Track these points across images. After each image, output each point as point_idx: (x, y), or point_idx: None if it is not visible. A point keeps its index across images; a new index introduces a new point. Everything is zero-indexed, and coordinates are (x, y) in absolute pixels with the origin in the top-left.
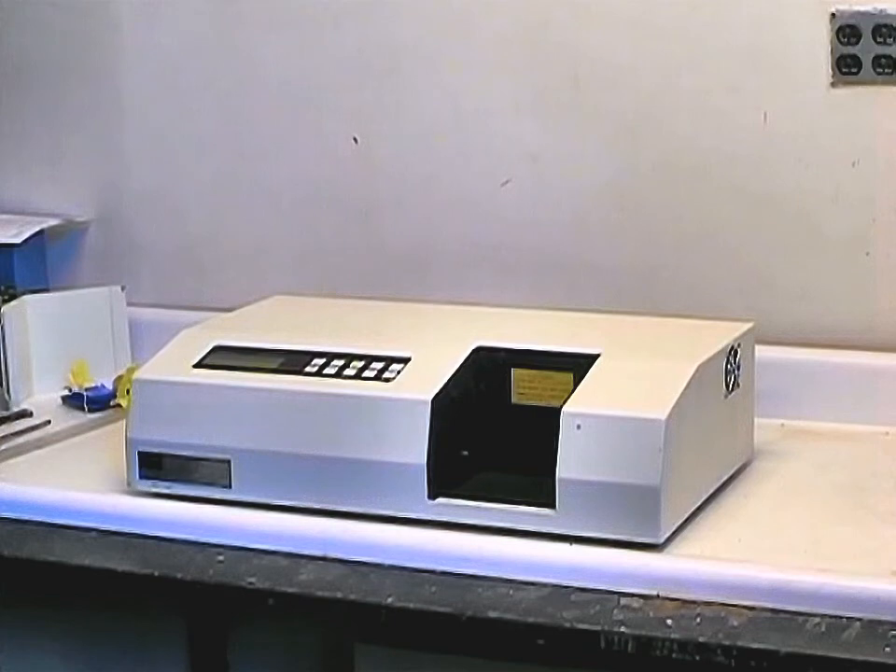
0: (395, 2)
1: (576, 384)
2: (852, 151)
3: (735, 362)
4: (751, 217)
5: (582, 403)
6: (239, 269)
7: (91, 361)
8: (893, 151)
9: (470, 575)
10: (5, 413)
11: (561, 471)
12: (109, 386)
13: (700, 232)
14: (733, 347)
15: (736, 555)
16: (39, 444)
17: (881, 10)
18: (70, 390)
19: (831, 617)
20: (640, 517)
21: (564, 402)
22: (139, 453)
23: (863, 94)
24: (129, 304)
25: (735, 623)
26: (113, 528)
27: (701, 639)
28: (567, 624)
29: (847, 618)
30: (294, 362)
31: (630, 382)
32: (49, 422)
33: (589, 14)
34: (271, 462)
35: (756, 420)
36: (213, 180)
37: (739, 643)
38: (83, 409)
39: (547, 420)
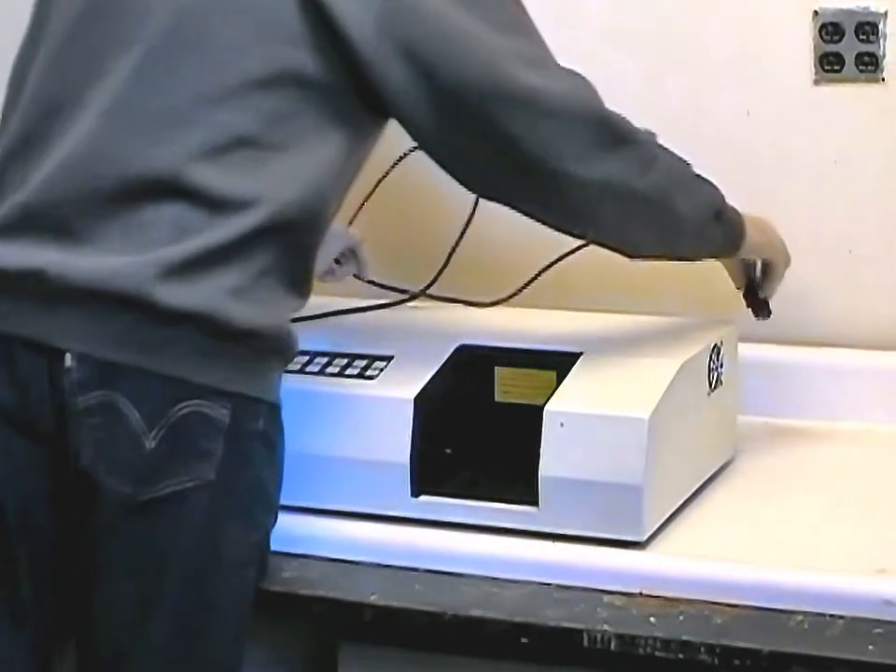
0: None
1: (559, 382)
2: (835, 149)
3: (718, 360)
4: None
5: (565, 402)
6: None
7: None
8: (876, 149)
9: (454, 573)
10: None
11: (544, 469)
12: None
13: None
14: (716, 345)
15: (720, 553)
16: None
17: (863, 8)
18: None
19: (814, 615)
20: (623, 515)
21: (547, 401)
22: None
23: (846, 92)
24: None
25: (719, 621)
26: None
27: (684, 637)
28: (551, 622)
29: (831, 615)
30: None
31: (613, 380)
32: None
33: (573, 14)
34: None
35: (739, 418)
36: None
37: (723, 641)
38: None
39: (530, 418)
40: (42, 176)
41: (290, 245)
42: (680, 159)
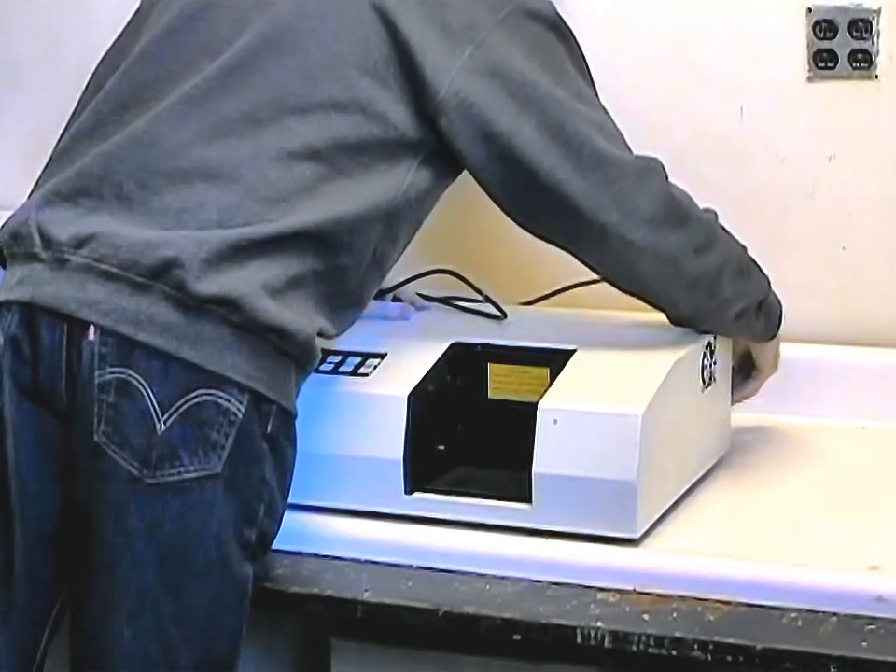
0: None
1: (552, 379)
2: (829, 146)
3: (711, 357)
4: (728, 213)
5: (559, 399)
6: None
7: None
8: (869, 146)
9: (447, 570)
10: None
11: (537, 466)
12: None
13: None
14: (709, 343)
15: (713, 550)
16: None
17: (857, 5)
18: None
19: (807, 611)
20: (617, 512)
21: (540, 398)
22: None
23: (840, 89)
24: None
25: (712, 618)
26: None
27: (677, 634)
28: (544, 619)
29: (824, 612)
30: None
31: (606, 377)
32: None
33: (567, 13)
34: None
35: (732, 414)
36: None
37: (716, 638)
38: None
39: (524, 415)
40: (102, 151)
41: (327, 264)
42: (737, 242)
